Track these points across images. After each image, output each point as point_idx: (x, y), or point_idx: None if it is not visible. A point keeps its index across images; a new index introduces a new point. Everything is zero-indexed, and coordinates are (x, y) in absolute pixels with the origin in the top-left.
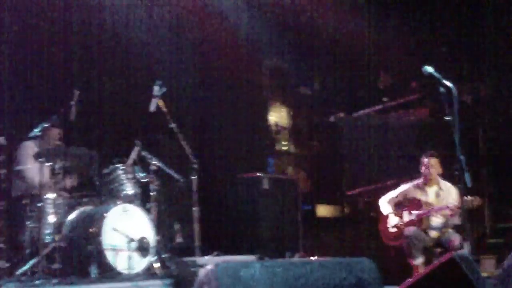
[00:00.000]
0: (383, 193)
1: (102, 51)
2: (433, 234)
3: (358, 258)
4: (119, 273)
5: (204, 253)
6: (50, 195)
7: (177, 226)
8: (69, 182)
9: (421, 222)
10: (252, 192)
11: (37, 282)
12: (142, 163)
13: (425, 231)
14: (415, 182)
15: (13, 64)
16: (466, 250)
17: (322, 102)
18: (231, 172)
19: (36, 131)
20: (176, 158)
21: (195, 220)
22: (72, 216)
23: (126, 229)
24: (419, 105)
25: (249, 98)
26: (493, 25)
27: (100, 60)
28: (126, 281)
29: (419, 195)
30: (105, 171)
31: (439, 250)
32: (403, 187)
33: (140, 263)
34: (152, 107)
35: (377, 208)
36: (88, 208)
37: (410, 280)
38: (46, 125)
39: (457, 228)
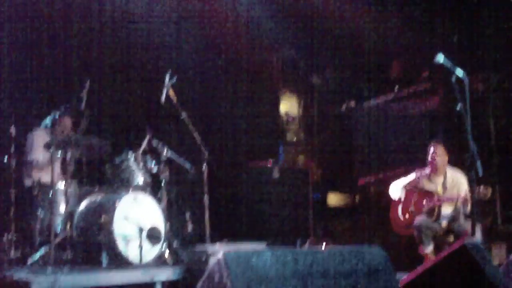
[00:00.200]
0: (395, 181)
1: (114, 40)
2: (444, 223)
3: (369, 246)
4: (130, 262)
5: (215, 241)
6: (61, 185)
7: (187, 215)
8: (80, 171)
9: (432, 212)
10: (262, 181)
11: (48, 271)
12: (153, 152)
13: (435, 220)
14: (423, 171)
15: (24, 54)
16: (477, 237)
17: (333, 91)
18: (242, 161)
19: (47, 121)
20: (186, 147)
21: (206, 208)
22: (83, 205)
23: (137, 218)
24: (430, 94)
25: (260, 88)
26: (505, 14)
27: (112, 49)
28: (137, 270)
29: (427, 185)
30: (116, 160)
31: (450, 238)
32: (411, 177)
33: (151, 252)
34: (163, 97)
35: (388, 197)
36: (99, 197)
37: (421, 267)
38: (57, 114)
39: (468, 216)
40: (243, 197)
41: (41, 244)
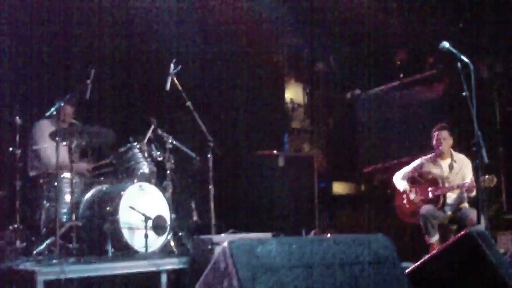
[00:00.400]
0: (400, 170)
1: (118, 29)
2: (449, 211)
3: (375, 235)
4: (136, 252)
5: (220, 231)
6: (67, 174)
7: (193, 204)
8: (85, 160)
9: (437, 200)
10: (267, 169)
11: (54, 261)
12: (158, 141)
13: (440, 209)
14: (428, 156)
15: (28, 43)
16: (482, 226)
17: (338, 78)
18: (247, 150)
19: (52, 110)
20: (192, 136)
21: (211, 198)
22: (88, 195)
23: (143, 207)
24: (435, 82)
25: (265, 75)
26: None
27: (116, 38)
28: (143, 260)
29: (432, 168)
30: (121, 149)
31: (455, 226)
32: (416, 162)
33: (156, 242)
34: (168, 86)
35: (393, 185)
36: (104, 186)
37: (427, 256)
38: (61, 103)
39: (473, 204)
40: (248, 186)
41: (47, 234)
